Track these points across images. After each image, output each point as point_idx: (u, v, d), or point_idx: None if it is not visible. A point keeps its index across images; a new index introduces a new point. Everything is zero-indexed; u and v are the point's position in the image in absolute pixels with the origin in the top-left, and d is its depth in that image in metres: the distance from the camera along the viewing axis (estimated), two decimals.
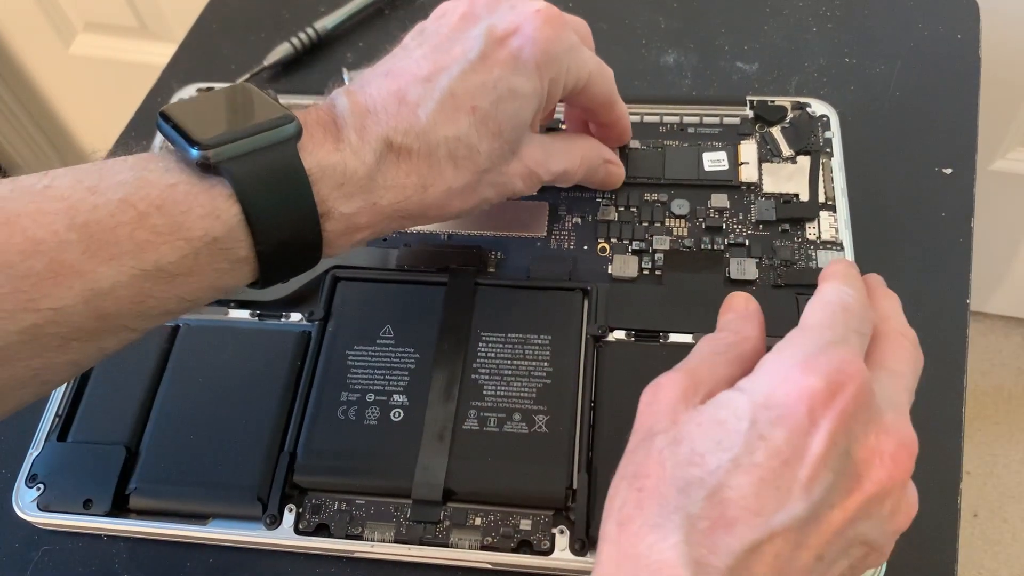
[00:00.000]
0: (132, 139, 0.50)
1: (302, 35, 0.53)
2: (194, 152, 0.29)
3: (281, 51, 0.53)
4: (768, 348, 0.30)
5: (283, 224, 0.30)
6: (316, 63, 0.54)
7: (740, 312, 0.33)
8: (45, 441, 0.38)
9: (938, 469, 0.36)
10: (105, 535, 0.37)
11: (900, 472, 0.27)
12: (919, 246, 0.43)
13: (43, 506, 0.36)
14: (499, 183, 0.35)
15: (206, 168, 0.29)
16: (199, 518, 0.36)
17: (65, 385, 0.39)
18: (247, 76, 0.52)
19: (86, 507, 0.36)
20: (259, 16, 0.55)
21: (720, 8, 0.54)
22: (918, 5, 0.53)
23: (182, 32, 0.56)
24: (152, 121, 0.47)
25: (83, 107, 1.08)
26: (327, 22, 0.54)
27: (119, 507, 0.36)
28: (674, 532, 0.25)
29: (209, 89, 0.49)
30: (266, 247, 0.30)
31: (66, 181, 0.28)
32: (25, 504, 0.36)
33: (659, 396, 0.29)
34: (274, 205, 0.29)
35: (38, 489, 0.37)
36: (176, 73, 0.54)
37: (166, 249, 0.28)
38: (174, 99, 0.49)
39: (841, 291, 0.30)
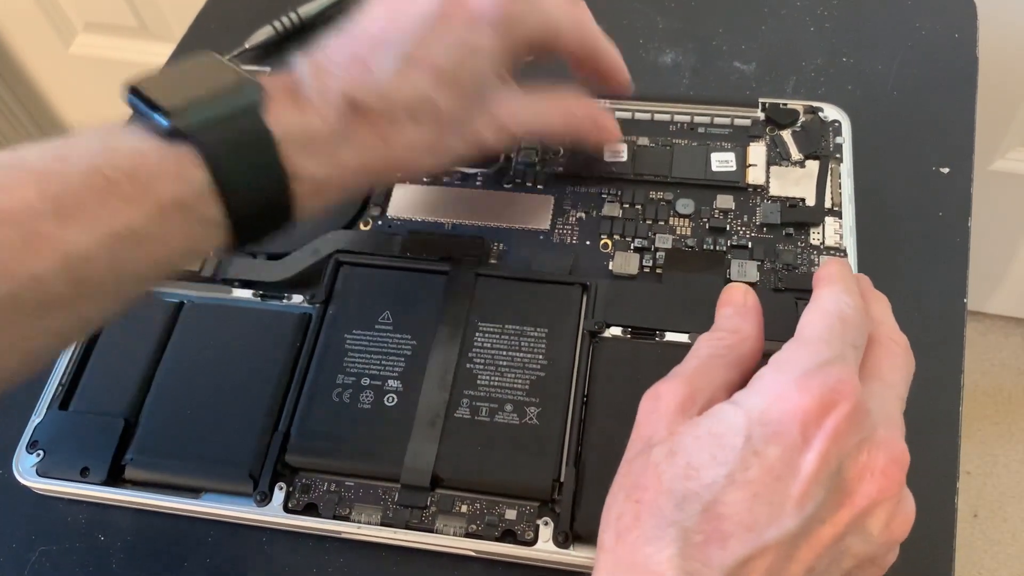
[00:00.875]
0: None
1: (284, 19, 0.53)
2: (161, 120, 0.29)
3: (263, 34, 0.53)
4: (767, 353, 0.30)
5: (252, 187, 0.31)
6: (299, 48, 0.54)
7: (738, 307, 0.33)
8: (47, 409, 0.39)
9: (935, 469, 0.36)
10: (100, 503, 0.38)
11: (891, 486, 0.27)
12: (916, 246, 0.43)
13: (42, 472, 0.37)
14: (467, 136, 0.36)
15: (173, 135, 0.29)
16: (192, 491, 0.37)
17: (69, 354, 0.40)
18: (227, 57, 0.53)
19: (83, 475, 0.37)
20: (258, 16, 0.56)
21: (718, 8, 0.54)
22: (916, 5, 0.53)
23: (181, 32, 0.57)
24: None
25: (83, 107, 1.09)
26: (310, 8, 0.54)
27: (115, 477, 0.37)
28: (669, 545, 0.25)
29: None
30: (237, 210, 0.30)
31: (34, 153, 0.28)
32: (25, 470, 0.37)
33: (658, 406, 0.30)
34: (242, 168, 0.30)
35: (38, 455, 0.37)
36: None
37: (137, 214, 0.28)
38: None
39: (839, 300, 0.30)
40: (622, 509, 0.27)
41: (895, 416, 0.29)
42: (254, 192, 0.31)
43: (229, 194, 0.30)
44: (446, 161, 0.36)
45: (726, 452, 0.26)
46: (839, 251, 0.40)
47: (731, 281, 0.40)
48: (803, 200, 0.42)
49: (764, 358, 0.30)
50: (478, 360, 0.38)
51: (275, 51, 0.54)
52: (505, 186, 0.44)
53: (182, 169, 0.29)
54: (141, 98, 0.30)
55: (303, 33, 0.54)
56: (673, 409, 0.29)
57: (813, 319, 0.30)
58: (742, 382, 0.31)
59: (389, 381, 0.38)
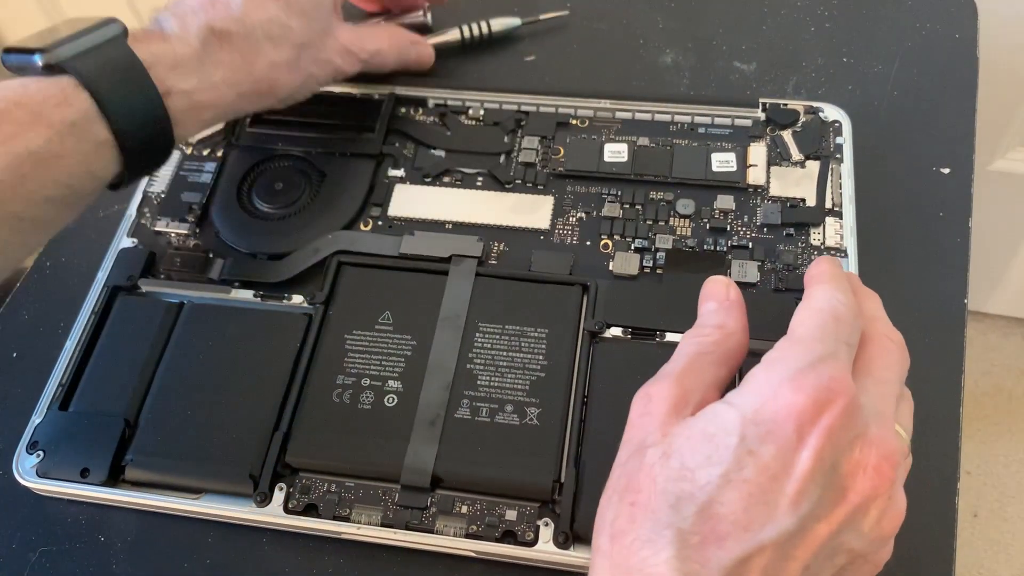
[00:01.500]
0: None
1: None
2: (37, 58, 0.34)
3: None
4: (758, 353, 0.30)
5: (131, 106, 0.35)
6: None
7: (721, 301, 0.33)
8: (47, 409, 0.39)
9: (936, 469, 0.36)
10: (100, 504, 0.38)
11: (884, 482, 0.27)
12: (917, 246, 0.43)
13: (42, 473, 0.37)
14: (321, 60, 0.42)
15: (51, 70, 0.34)
16: (192, 492, 0.37)
17: (69, 355, 0.40)
18: None
19: (83, 476, 0.37)
20: None
21: (718, 8, 0.54)
22: (916, 5, 0.52)
23: None
24: None
25: None
26: None
27: (115, 477, 0.37)
28: (666, 547, 0.25)
29: None
30: (122, 129, 0.35)
31: None
32: (25, 470, 0.37)
33: (650, 408, 0.30)
34: (118, 90, 0.35)
35: (38, 456, 0.37)
36: None
37: (32, 135, 0.33)
38: None
39: (832, 298, 0.30)
40: (617, 511, 0.27)
41: (887, 413, 0.29)
42: (134, 111, 0.35)
43: (111, 114, 0.34)
44: (309, 83, 0.43)
45: (720, 452, 0.26)
46: (840, 251, 0.40)
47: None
48: (803, 200, 0.42)
49: (756, 357, 0.30)
50: (478, 360, 0.38)
51: None
52: (505, 186, 0.44)
53: (66, 95, 0.34)
54: (15, 52, 0.35)
55: None
56: (665, 410, 0.29)
57: (805, 317, 0.30)
58: (730, 378, 0.32)
59: (389, 381, 0.38)
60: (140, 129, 0.35)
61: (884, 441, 0.27)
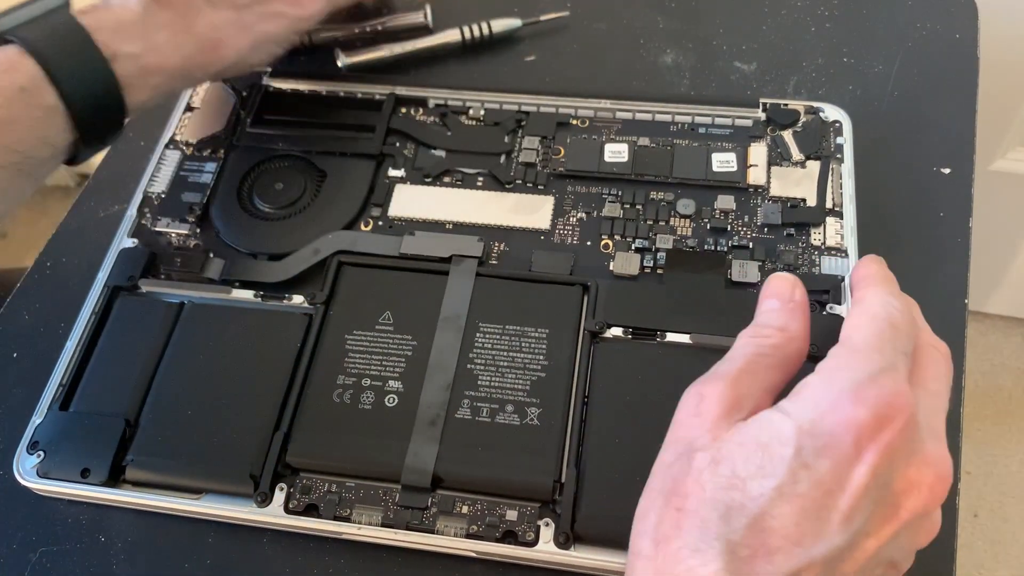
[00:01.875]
0: (131, 138, 0.50)
1: None
2: None
3: None
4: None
5: (76, 68, 0.36)
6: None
7: (785, 301, 0.31)
8: (48, 410, 0.39)
9: None
10: (100, 504, 0.38)
11: (935, 502, 0.27)
12: (917, 246, 0.43)
13: (42, 473, 0.37)
14: (269, 14, 0.43)
15: None
16: (192, 492, 0.37)
17: (70, 355, 0.40)
18: None
19: (83, 476, 0.37)
20: None
21: (718, 8, 0.54)
22: (916, 5, 0.53)
23: None
24: (150, 120, 0.48)
25: None
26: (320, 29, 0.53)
27: (115, 477, 0.37)
28: (715, 559, 0.25)
29: None
30: (69, 91, 0.36)
31: None
32: (25, 470, 0.37)
33: (701, 409, 0.28)
34: (62, 53, 0.36)
35: (38, 456, 0.37)
36: None
37: None
38: (181, 98, 0.49)
39: (888, 303, 0.29)
40: (661, 515, 0.27)
41: (940, 429, 0.28)
42: (81, 74, 0.36)
43: (58, 78, 0.35)
44: (263, 44, 0.43)
45: (774, 463, 0.25)
46: (840, 251, 0.40)
47: (732, 281, 0.40)
48: (804, 200, 0.42)
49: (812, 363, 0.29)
50: (479, 360, 0.38)
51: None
52: (505, 186, 0.44)
53: (12, 62, 0.35)
54: None
55: (308, 52, 0.54)
56: (717, 413, 0.28)
57: (861, 324, 0.28)
58: (784, 384, 0.30)
59: (390, 382, 0.38)
60: (89, 93, 0.36)
61: (940, 460, 0.27)
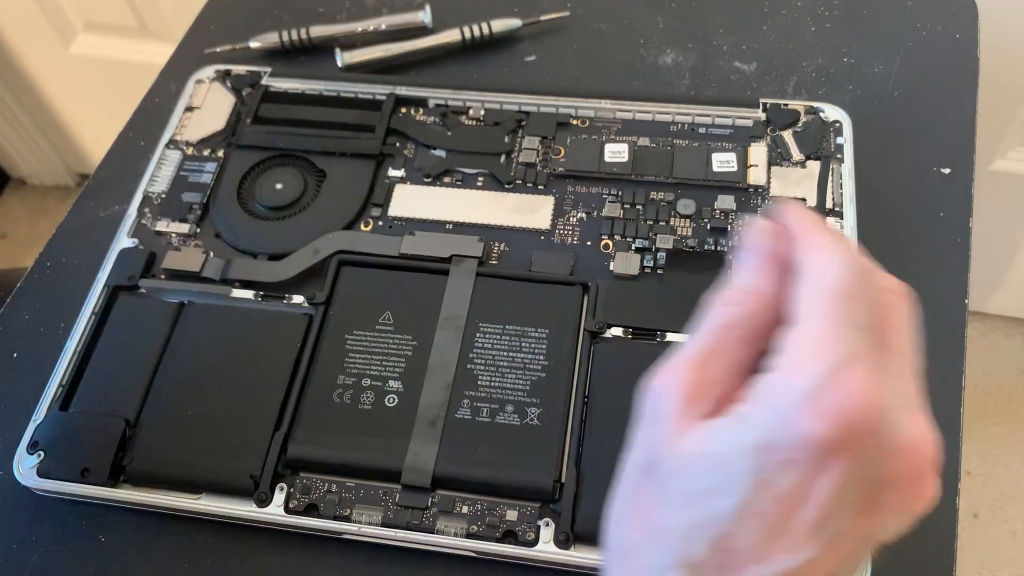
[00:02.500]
0: (131, 138, 0.50)
1: (294, 33, 0.53)
2: None
3: (269, 39, 0.53)
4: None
5: None
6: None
7: (757, 251, 0.27)
8: (48, 410, 0.39)
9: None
10: (100, 504, 0.38)
11: (922, 482, 0.25)
12: (917, 246, 0.43)
13: (42, 473, 0.37)
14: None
15: None
16: (192, 492, 0.37)
17: (70, 355, 0.40)
18: (228, 47, 0.52)
19: (83, 476, 0.37)
20: (256, 17, 0.56)
21: (719, 8, 0.54)
22: (916, 5, 0.53)
23: (181, 32, 0.56)
24: (150, 120, 0.48)
25: (83, 107, 1.08)
26: (321, 31, 0.53)
27: (115, 477, 0.37)
28: None
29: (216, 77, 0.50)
30: None
31: None
32: (25, 470, 0.37)
33: (660, 411, 0.26)
34: None
35: (38, 456, 0.37)
36: (173, 73, 0.53)
37: None
38: (181, 98, 0.49)
39: (836, 269, 0.25)
40: (627, 529, 0.26)
41: (912, 395, 0.25)
42: None
43: None
44: None
45: (732, 481, 0.24)
46: None
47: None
48: (804, 200, 0.42)
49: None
50: (479, 360, 0.38)
51: (280, 55, 0.54)
52: (505, 186, 0.44)
53: None
54: None
55: (308, 51, 0.54)
56: (676, 411, 0.26)
57: (811, 305, 0.25)
58: (759, 359, 0.26)
59: (390, 382, 0.38)
60: None
61: (918, 439, 0.24)
